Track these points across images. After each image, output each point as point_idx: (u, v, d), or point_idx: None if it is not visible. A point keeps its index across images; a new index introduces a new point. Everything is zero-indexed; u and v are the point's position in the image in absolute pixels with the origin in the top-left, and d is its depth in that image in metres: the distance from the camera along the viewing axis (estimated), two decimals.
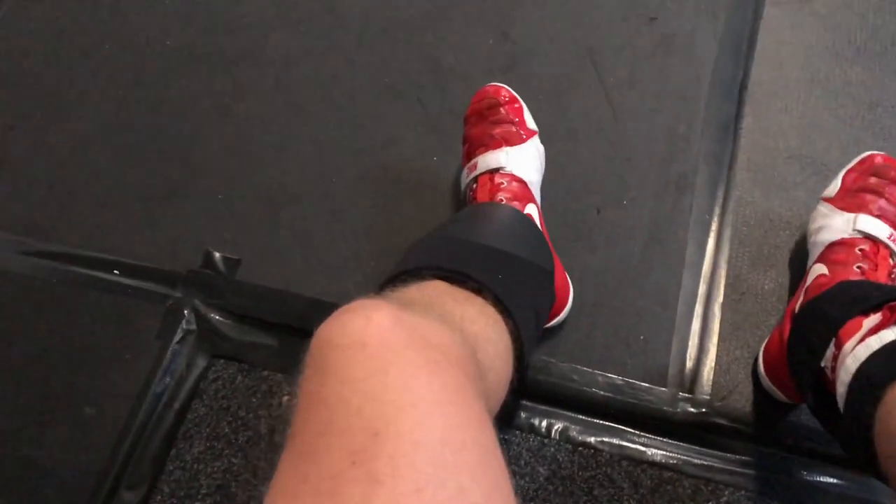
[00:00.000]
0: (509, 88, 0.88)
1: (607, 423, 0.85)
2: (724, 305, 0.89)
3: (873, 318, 0.66)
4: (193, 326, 0.93)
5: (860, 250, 0.76)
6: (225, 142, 1.02)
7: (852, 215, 0.79)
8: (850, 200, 0.81)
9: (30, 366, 0.92)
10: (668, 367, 0.87)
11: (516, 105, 0.88)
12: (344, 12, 1.08)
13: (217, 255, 0.96)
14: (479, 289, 0.60)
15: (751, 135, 0.97)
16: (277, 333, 0.92)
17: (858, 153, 0.94)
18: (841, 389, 0.64)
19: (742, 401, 0.84)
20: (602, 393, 0.86)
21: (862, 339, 0.64)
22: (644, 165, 0.96)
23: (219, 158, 1.01)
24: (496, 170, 0.83)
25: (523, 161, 0.84)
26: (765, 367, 0.83)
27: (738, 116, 0.98)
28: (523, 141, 0.86)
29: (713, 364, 0.87)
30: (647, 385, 0.86)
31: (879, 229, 0.77)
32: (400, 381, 0.40)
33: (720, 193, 0.95)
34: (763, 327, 0.87)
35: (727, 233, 0.93)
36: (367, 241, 0.94)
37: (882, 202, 0.79)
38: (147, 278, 0.95)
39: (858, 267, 0.75)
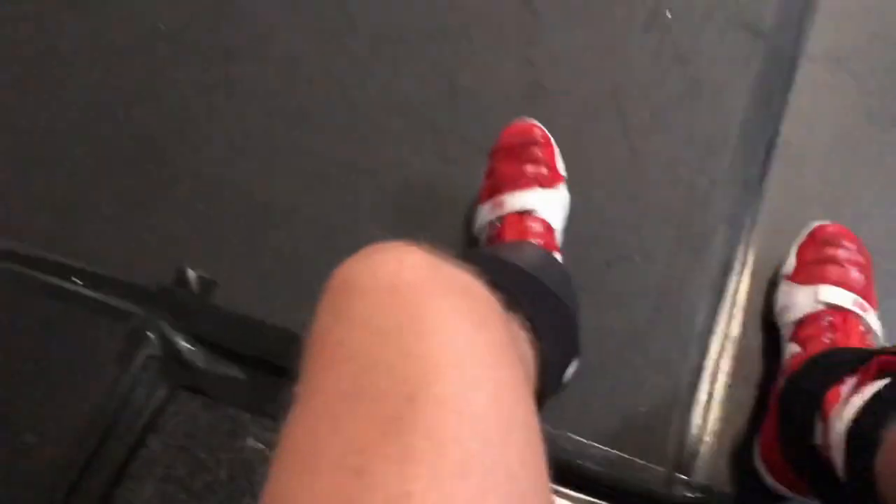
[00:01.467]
0: (543, 128, 0.83)
1: (598, 500, 0.79)
2: (730, 382, 0.83)
3: (850, 383, 0.65)
4: (158, 352, 0.85)
5: (828, 322, 0.74)
6: (211, 145, 0.93)
7: (814, 287, 0.77)
8: (809, 273, 0.79)
9: None
10: (666, 444, 0.81)
11: (550, 148, 0.83)
12: (358, 16, 0.99)
13: (191, 273, 0.87)
14: (508, 303, 0.52)
15: (775, 199, 0.91)
16: (250, 367, 0.84)
17: (892, 228, 0.89)
18: (837, 457, 0.61)
19: (744, 490, 0.78)
20: (594, 467, 0.80)
21: (848, 400, 0.62)
22: (660, 220, 0.90)
23: (203, 163, 0.92)
24: (527, 212, 0.77)
25: (553, 206, 0.80)
26: (763, 459, 0.77)
27: (762, 177, 0.92)
28: (554, 186, 0.81)
29: (715, 445, 0.81)
30: (642, 462, 0.80)
31: (843, 298, 0.75)
32: (440, 335, 0.33)
33: (737, 260, 0.89)
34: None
35: (741, 303, 0.87)
36: None
37: (840, 270, 0.78)
38: (111, 291, 0.86)
39: (829, 339, 0.73)
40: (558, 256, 0.78)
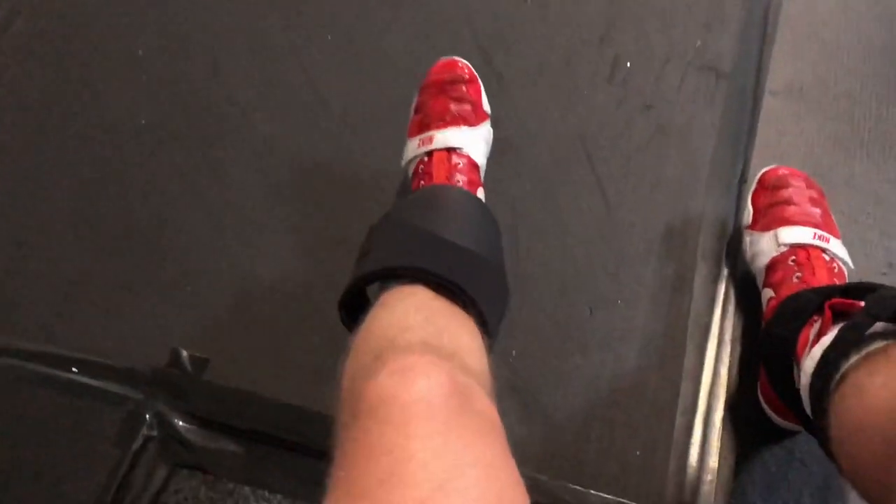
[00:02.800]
0: (470, 66, 0.89)
1: None
2: (725, 418, 0.83)
3: (817, 325, 0.68)
4: (155, 432, 0.86)
5: (792, 261, 0.78)
6: (196, 228, 0.96)
7: (773, 232, 0.81)
8: (766, 220, 0.83)
9: None
10: (665, 486, 0.80)
11: (476, 85, 0.89)
12: (327, 94, 1.04)
13: (184, 353, 0.89)
14: (465, 305, 0.61)
15: None
16: (246, 441, 0.85)
17: (864, 252, 0.90)
18: (806, 408, 0.66)
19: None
20: None
21: (810, 350, 0.66)
22: (639, 263, 0.91)
23: (188, 245, 0.95)
24: (454, 149, 0.82)
25: (478, 144, 0.85)
26: (764, 400, 0.81)
27: (737, 211, 0.94)
28: (479, 123, 0.86)
29: (714, 483, 0.80)
30: None
31: (801, 234, 0.79)
32: (461, 443, 0.43)
33: (720, 295, 0.89)
34: (769, 443, 0.81)
35: (728, 337, 0.87)
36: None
37: (794, 208, 0.82)
38: (107, 377, 0.88)
39: (797, 277, 0.76)
40: (482, 192, 0.84)
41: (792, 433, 0.81)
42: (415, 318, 0.57)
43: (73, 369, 0.89)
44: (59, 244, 0.96)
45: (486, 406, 0.49)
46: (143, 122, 1.03)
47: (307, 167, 0.99)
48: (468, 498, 0.40)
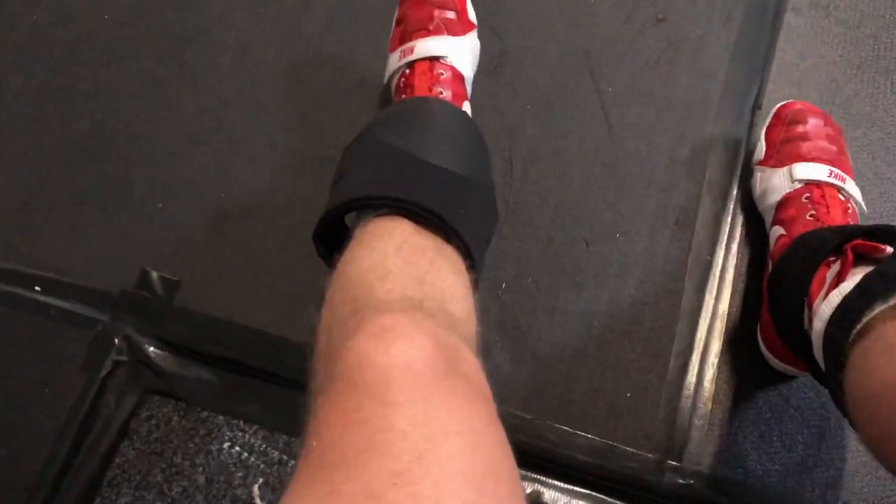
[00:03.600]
0: None
1: (585, 490, 0.77)
2: (720, 361, 0.80)
3: (836, 267, 0.64)
4: (125, 357, 0.82)
5: (806, 198, 0.74)
6: (168, 140, 0.89)
7: (787, 168, 0.77)
8: (780, 156, 0.79)
9: None
10: (655, 430, 0.78)
11: None
12: None
13: (155, 274, 0.84)
14: (447, 237, 0.57)
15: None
16: (220, 369, 0.82)
17: (882, 191, 0.85)
18: (818, 355, 0.62)
19: (737, 473, 0.75)
20: (580, 456, 0.77)
21: (827, 294, 0.62)
22: (641, 194, 0.86)
23: (160, 160, 0.88)
24: (437, 58, 0.77)
25: (463, 54, 0.79)
26: (764, 342, 0.78)
27: (748, 142, 0.87)
28: (464, 33, 0.80)
29: (706, 428, 0.78)
30: (631, 450, 0.77)
31: (817, 171, 0.75)
32: (444, 410, 0.40)
33: (724, 231, 0.84)
34: (764, 389, 0.78)
35: (729, 277, 0.83)
36: (327, 269, 0.83)
37: (810, 144, 0.77)
38: (73, 298, 0.84)
39: (811, 215, 0.73)
40: (468, 106, 0.78)
41: (788, 379, 0.78)
42: (394, 260, 0.53)
43: (36, 288, 0.84)
44: (18, 153, 0.89)
45: (472, 368, 0.45)
46: (108, 18, 0.94)
47: (288, 79, 0.91)
48: (450, 468, 0.37)
